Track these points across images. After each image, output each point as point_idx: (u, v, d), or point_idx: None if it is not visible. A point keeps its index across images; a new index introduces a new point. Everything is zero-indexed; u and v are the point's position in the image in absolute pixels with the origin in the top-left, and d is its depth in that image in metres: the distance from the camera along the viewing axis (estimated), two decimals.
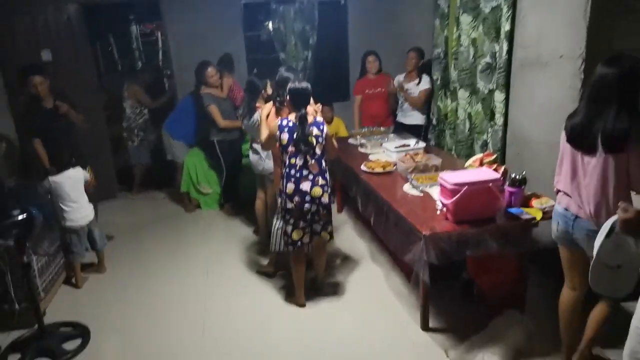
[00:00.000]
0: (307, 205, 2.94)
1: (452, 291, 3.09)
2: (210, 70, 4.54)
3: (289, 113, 2.97)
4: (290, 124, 2.89)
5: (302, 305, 3.17)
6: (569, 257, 2.28)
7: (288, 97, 2.94)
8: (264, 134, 3.05)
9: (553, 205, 2.58)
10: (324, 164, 2.99)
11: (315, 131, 2.91)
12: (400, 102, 4.89)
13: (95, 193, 4.27)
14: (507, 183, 2.68)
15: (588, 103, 2.04)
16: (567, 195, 2.18)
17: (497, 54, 3.61)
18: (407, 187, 3.10)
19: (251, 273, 3.67)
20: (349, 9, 5.52)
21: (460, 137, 4.25)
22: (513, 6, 3.38)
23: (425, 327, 2.81)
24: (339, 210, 4.74)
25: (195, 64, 4.66)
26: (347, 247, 3.98)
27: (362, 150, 4.10)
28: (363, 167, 3.53)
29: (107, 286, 3.63)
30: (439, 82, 4.62)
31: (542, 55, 3.18)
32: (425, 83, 4.67)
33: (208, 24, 5.24)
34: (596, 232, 1.79)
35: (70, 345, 2.90)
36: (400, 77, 4.83)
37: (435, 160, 3.36)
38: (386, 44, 5.14)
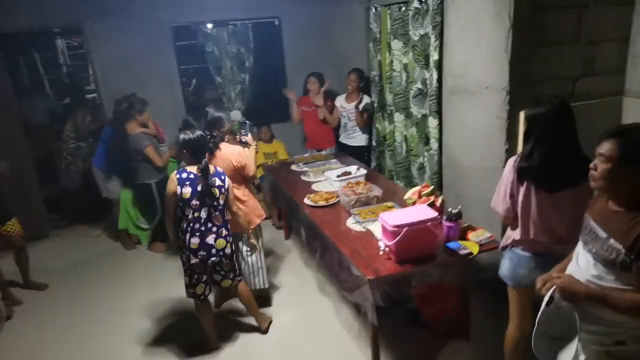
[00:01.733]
0: (213, 259, 2.87)
1: (400, 320, 3.15)
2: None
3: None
4: (192, 176, 2.79)
5: (217, 349, 3.11)
6: (521, 299, 2.32)
7: (184, 150, 2.83)
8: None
9: (489, 238, 2.71)
10: (226, 214, 2.95)
11: (217, 182, 2.84)
12: (343, 122, 4.87)
13: (24, 237, 3.97)
14: (444, 217, 2.76)
15: (539, 145, 2.10)
16: (538, 240, 2.19)
17: (428, 81, 3.71)
18: (350, 222, 3.12)
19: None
20: (283, 29, 5.46)
21: (399, 159, 4.34)
22: (440, 36, 3.48)
23: None
24: (286, 237, 4.71)
25: (126, 91, 4.46)
26: (294, 278, 3.96)
27: (304, 178, 4.09)
28: (306, 201, 3.51)
29: (45, 342, 3.37)
30: (376, 104, 4.69)
31: (470, 84, 3.30)
32: (366, 103, 4.71)
33: (137, 49, 5.00)
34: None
35: None
36: (341, 98, 4.85)
37: (377, 191, 3.40)
38: (324, 64, 5.13)
